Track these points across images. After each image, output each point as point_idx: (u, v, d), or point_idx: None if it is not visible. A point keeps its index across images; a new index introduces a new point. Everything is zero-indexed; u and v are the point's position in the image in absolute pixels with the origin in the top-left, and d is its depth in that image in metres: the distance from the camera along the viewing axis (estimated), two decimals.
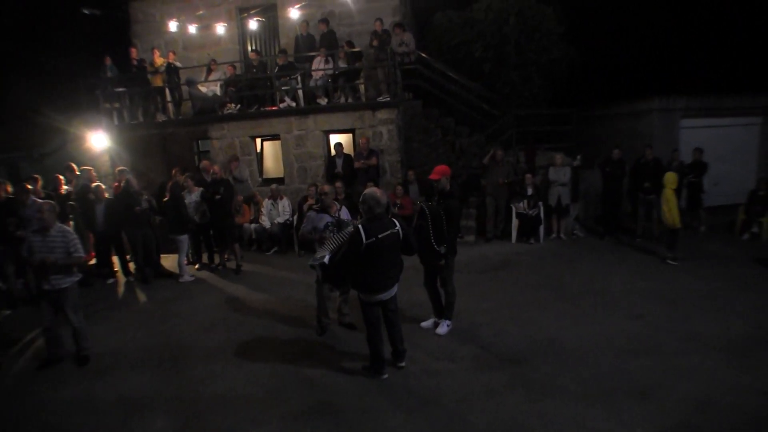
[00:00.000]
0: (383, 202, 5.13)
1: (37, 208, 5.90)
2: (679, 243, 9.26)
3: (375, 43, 12.17)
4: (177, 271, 9.75)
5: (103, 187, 9.86)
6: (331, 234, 5.94)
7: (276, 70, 12.39)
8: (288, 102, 12.12)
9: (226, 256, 10.36)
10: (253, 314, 7.54)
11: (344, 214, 6.44)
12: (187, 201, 9.78)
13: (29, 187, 8.45)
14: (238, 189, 11.36)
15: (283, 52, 12.62)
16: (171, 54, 13.13)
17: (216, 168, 10.35)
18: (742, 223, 11.05)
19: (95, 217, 9.52)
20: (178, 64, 13.18)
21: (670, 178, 8.96)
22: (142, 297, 8.78)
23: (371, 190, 5.23)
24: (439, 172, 6.29)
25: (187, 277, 9.56)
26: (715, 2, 16.28)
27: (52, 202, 6.20)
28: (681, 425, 4.31)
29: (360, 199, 5.15)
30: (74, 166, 10.51)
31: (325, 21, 12.77)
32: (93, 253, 10.36)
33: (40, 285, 5.99)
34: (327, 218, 6.24)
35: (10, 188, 8.44)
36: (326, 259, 5.32)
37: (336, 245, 5.39)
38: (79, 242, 6.07)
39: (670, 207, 8.86)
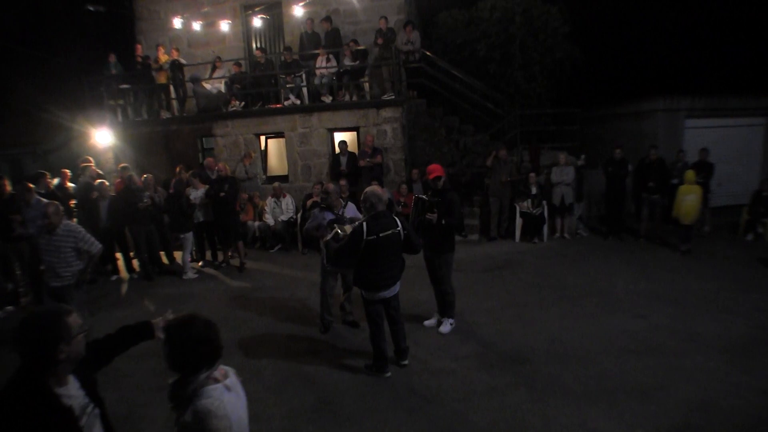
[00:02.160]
0: (384, 199, 5.18)
1: (42, 211, 5.86)
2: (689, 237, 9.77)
3: (380, 41, 12.17)
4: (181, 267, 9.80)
5: (107, 183, 9.89)
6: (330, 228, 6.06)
7: (279, 67, 12.40)
8: (292, 100, 12.14)
9: (229, 254, 10.39)
10: (256, 312, 7.56)
11: (350, 210, 6.48)
12: (192, 198, 9.82)
13: (31, 186, 8.42)
14: (245, 186, 11.41)
15: (288, 49, 12.63)
16: (174, 51, 13.15)
17: (221, 165, 10.37)
18: (745, 223, 11.04)
19: (99, 215, 9.56)
20: (182, 60, 13.22)
21: (692, 176, 9.61)
22: (145, 294, 8.80)
23: (372, 187, 5.27)
24: (440, 170, 6.33)
25: (190, 275, 9.59)
26: (720, 3, 16.23)
27: (57, 203, 6.17)
28: (682, 425, 4.32)
29: (362, 197, 5.18)
30: (90, 158, 10.58)
31: (328, 19, 12.79)
32: None
33: (48, 282, 5.98)
34: (330, 215, 6.30)
35: (9, 186, 8.44)
36: (341, 234, 5.41)
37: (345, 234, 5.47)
38: (89, 235, 6.05)
39: (695, 203, 9.43)
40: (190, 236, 9.68)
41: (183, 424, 2.14)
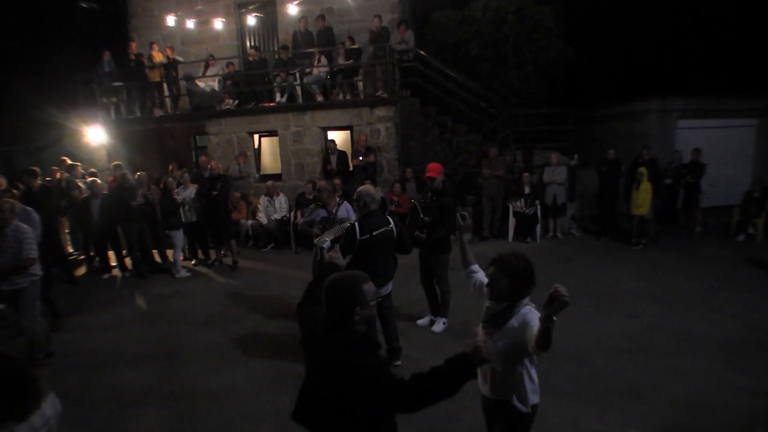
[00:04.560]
0: (378, 199, 5.18)
1: None
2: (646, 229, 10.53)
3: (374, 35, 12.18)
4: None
5: (99, 182, 9.83)
6: (320, 228, 6.02)
7: (275, 59, 12.35)
8: (279, 98, 12.13)
9: (222, 252, 10.35)
10: (248, 310, 7.54)
11: (343, 211, 6.43)
12: (181, 197, 9.78)
13: None
14: (239, 185, 11.38)
15: (285, 48, 12.61)
16: (168, 50, 13.09)
17: (213, 163, 10.33)
18: (737, 224, 11.09)
19: (91, 213, 9.50)
20: (179, 58, 13.21)
21: (644, 172, 10.24)
22: (137, 293, 8.75)
23: (365, 186, 5.28)
24: (436, 170, 6.32)
25: (183, 273, 9.56)
26: (712, 3, 16.30)
27: (12, 201, 5.95)
28: (674, 425, 4.34)
29: (355, 196, 5.18)
30: (67, 160, 10.56)
31: (322, 17, 12.76)
32: (81, 251, 10.40)
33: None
34: (323, 213, 6.28)
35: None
36: (326, 245, 5.36)
37: (337, 235, 5.43)
38: (32, 242, 5.69)
39: (646, 197, 10.15)
40: (177, 234, 9.62)
41: (509, 330, 2.86)
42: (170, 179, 9.80)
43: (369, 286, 2.57)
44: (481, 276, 3.55)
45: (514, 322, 2.86)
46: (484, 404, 3.33)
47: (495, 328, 2.92)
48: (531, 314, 2.84)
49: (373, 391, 2.29)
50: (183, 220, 9.76)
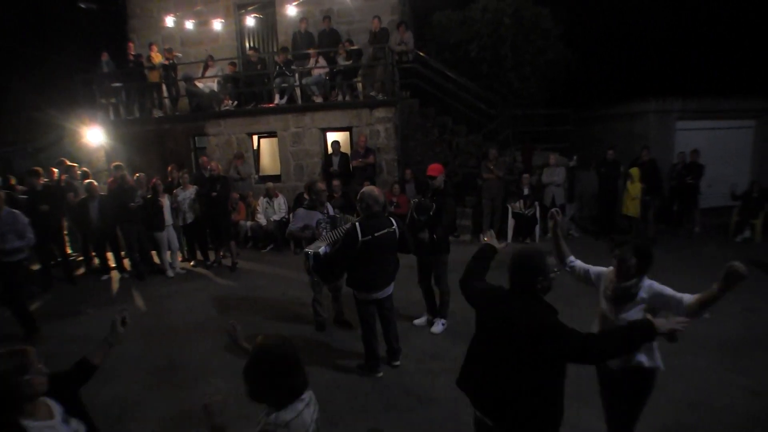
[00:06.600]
0: (381, 201, 5.14)
1: None
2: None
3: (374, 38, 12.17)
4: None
5: (96, 183, 9.82)
6: (326, 230, 5.93)
7: (276, 68, 12.36)
8: (277, 101, 12.13)
9: (221, 254, 10.35)
10: (247, 311, 7.54)
11: (330, 210, 6.43)
12: (180, 198, 9.78)
13: None
14: (238, 186, 11.37)
15: (285, 50, 12.60)
16: (167, 53, 13.08)
17: (214, 164, 10.32)
18: (735, 224, 11.11)
19: (89, 214, 9.49)
20: (179, 55, 13.20)
21: (635, 172, 10.49)
22: (136, 294, 8.75)
23: (369, 188, 5.23)
24: (437, 170, 6.32)
25: (170, 273, 9.67)
26: (712, 4, 16.31)
27: None
28: (674, 425, 4.35)
29: (358, 198, 5.15)
30: (66, 161, 10.58)
31: (328, 18, 12.74)
32: (80, 252, 10.41)
33: None
34: (318, 215, 6.22)
35: None
36: (321, 251, 5.30)
37: (333, 239, 5.39)
38: (28, 226, 5.85)
39: (636, 199, 10.48)
40: (160, 235, 9.60)
41: (640, 301, 3.36)
42: (158, 181, 9.81)
43: (551, 260, 2.95)
44: (582, 263, 4.07)
45: (642, 294, 3.35)
46: (604, 377, 3.85)
47: (625, 304, 3.42)
48: (656, 284, 3.35)
49: (563, 345, 2.65)
50: (169, 222, 9.73)
